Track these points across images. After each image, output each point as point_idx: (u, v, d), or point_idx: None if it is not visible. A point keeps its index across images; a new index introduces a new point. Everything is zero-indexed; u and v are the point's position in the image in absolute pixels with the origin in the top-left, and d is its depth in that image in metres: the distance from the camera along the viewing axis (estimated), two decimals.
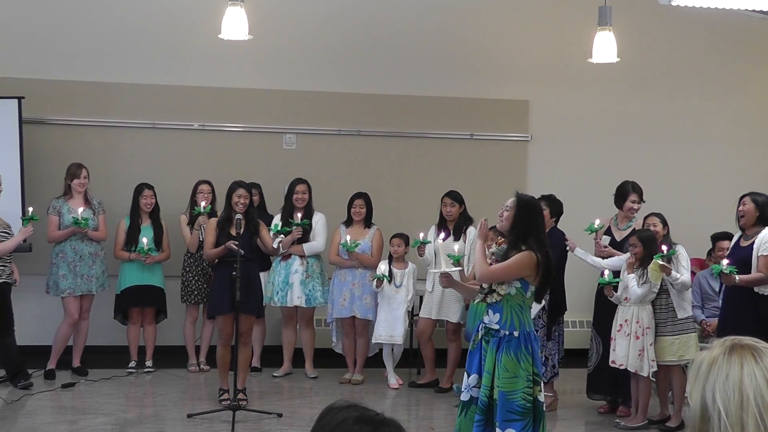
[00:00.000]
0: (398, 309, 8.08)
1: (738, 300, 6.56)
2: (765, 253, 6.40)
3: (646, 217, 7.23)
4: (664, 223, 7.10)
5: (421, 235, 7.90)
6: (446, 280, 5.60)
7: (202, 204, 8.11)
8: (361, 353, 8.29)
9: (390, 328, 8.06)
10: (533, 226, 5.10)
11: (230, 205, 7.28)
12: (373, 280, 8.01)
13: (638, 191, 7.53)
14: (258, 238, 7.30)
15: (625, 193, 7.51)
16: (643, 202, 7.54)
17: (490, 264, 5.16)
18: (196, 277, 8.44)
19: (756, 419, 1.81)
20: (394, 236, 8.23)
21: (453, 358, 8.08)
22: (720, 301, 7.27)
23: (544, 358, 7.39)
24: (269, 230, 7.65)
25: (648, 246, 6.78)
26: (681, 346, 6.79)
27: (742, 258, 6.53)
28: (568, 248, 7.37)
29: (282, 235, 7.42)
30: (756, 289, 6.47)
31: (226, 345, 7.30)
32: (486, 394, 4.97)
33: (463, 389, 5.18)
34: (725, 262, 6.52)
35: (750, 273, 6.45)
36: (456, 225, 8.08)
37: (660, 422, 7.01)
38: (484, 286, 5.14)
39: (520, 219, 5.10)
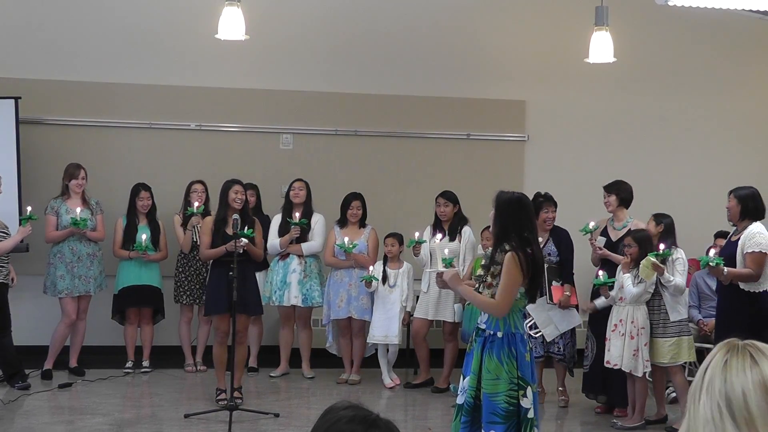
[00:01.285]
0: (392, 309, 8.09)
1: (732, 298, 6.58)
2: (750, 250, 6.41)
3: (654, 216, 7.17)
4: (659, 222, 7.08)
5: (417, 234, 7.91)
6: (441, 281, 5.39)
7: (196, 204, 8.12)
8: (358, 354, 8.29)
9: (384, 329, 8.06)
10: (513, 223, 4.88)
11: (226, 203, 7.27)
12: (362, 281, 8.02)
13: (607, 187, 7.53)
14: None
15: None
16: (614, 194, 7.50)
17: (492, 293, 4.85)
18: (189, 278, 8.44)
19: (705, 405, 1.82)
20: (387, 236, 8.24)
21: (450, 358, 8.09)
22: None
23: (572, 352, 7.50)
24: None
25: (643, 246, 6.79)
26: (672, 348, 6.76)
27: (732, 253, 6.55)
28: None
29: (245, 239, 7.14)
30: (742, 287, 6.48)
31: (222, 344, 7.30)
32: (471, 395, 4.83)
33: (459, 392, 5.02)
34: (712, 253, 6.54)
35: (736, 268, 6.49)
36: (451, 225, 8.09)
37: (657, 422, 7.01)
38: (475, 286, 4.99)
39: (499, 218, 4.93)
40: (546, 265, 7.29)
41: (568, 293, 7.43)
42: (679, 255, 6.86)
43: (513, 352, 4.79)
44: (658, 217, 7.12)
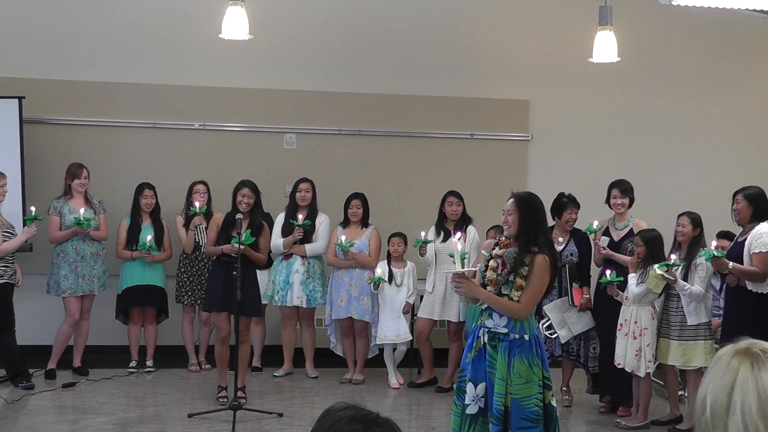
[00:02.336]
0: (402, 308, 8.08)
1: (738, 299, 6.55)
2: (757, 251, 6.37)
3: (679, 216, 6.99)
4: (696, 223, 6.85)
5: (422, 234, 7.90)
6: (459, 285, 5.00)
7: (197, 204, 8.13)
8: (361, 353, 8.29)
9: (395, 328, 8.05)
10: (539, 224, 4.78)
11: (235, 204, 7.30)
12: (370, 283, 8.01)
13: (619, 186, 7.51)
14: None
15: (609, 189, 7.53)
16: (627, 197, 7.49)
17: (517, 298, 4.73)
18: (191, 278, 8.44)
19: (738, 428, 1.78)
20: (392, 235, 8.23)
21: (454, 357, 8.06)
22: (721, 300, 7.26)
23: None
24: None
25: (651, 246, 6.76)
26: (686, 352, 6.68)
27: (738, 254, 6.51)
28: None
29: (241, 246, 7.02)
30: (750, 288, 6.46)
31: (222, 343, 7.32)
32: (501, 402, 4.66)
33: (468, 401, 4.77)
34: (714, 245, 6.50)
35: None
36: (455, 225, 8.06)
37: (671, 422, 6.95)
38: (491, 289, 4.81)
39: (524, 219, 4.75)
40: (567, 266, 7.31)
41: (587, 296, 7.42)
42: (703, 261, 6.64)
43: (538, 354, 4.73)
44: (691, 216, 6.88)
